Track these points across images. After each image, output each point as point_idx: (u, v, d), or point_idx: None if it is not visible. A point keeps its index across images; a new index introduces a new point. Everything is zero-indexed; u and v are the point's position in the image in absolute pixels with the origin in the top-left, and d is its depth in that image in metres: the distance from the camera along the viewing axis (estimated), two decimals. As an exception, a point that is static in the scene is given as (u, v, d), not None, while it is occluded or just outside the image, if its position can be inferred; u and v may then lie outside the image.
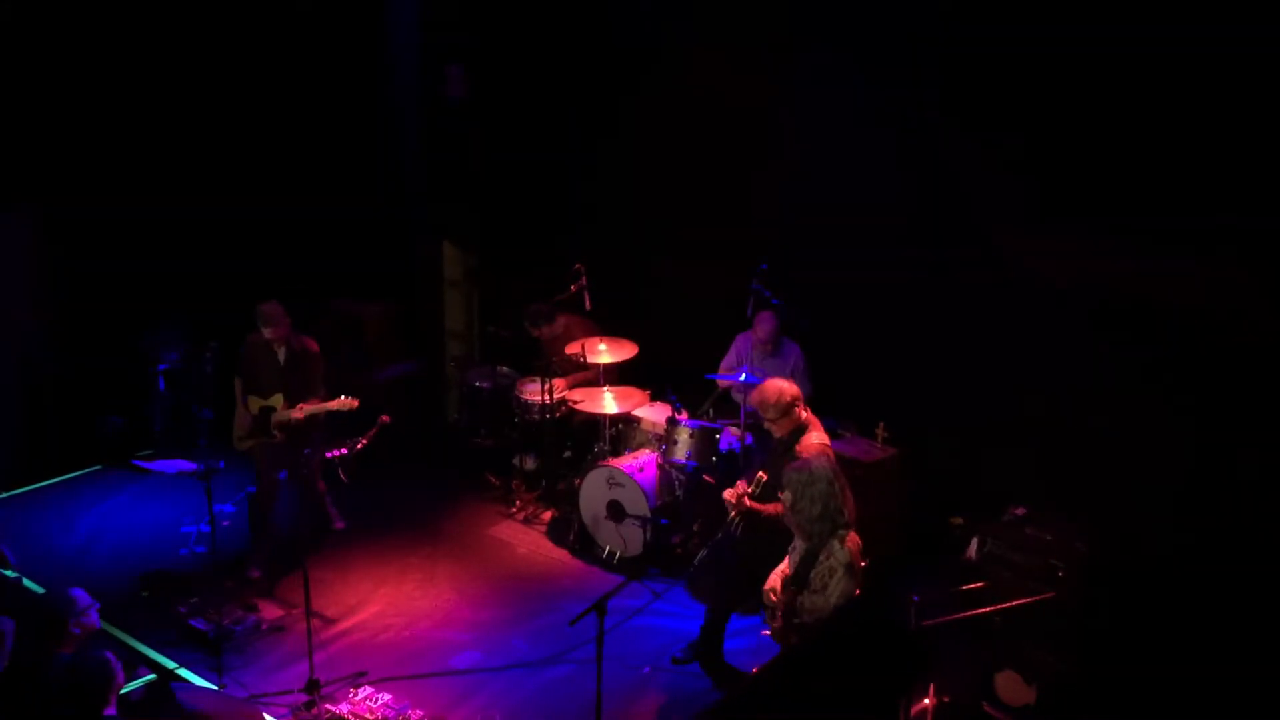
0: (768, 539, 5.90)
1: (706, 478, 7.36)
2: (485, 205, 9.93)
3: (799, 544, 5.48)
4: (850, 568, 5.29)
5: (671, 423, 7.52)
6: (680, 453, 7.46)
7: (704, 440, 7.42)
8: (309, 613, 6.06)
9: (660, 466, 7.57)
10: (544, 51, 9.21)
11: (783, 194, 7.99)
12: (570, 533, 7.88)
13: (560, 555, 7.81)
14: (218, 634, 6.40)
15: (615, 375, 8.33)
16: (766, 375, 6.94)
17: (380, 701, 6.06)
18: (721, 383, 7.66)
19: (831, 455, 5.94)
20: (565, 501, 8.20)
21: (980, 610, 5.97)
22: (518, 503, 8.46)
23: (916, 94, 7.42)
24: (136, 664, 6.06)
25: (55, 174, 8.54)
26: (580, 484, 7.77)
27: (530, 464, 8.69)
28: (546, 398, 8.19)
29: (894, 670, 4.81)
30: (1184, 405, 6.50)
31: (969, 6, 7.02)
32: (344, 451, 7.07)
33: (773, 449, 6.32)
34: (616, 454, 7.94)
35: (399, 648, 6.64)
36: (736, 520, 6.12)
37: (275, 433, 7.17)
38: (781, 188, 7.99)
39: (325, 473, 7.57)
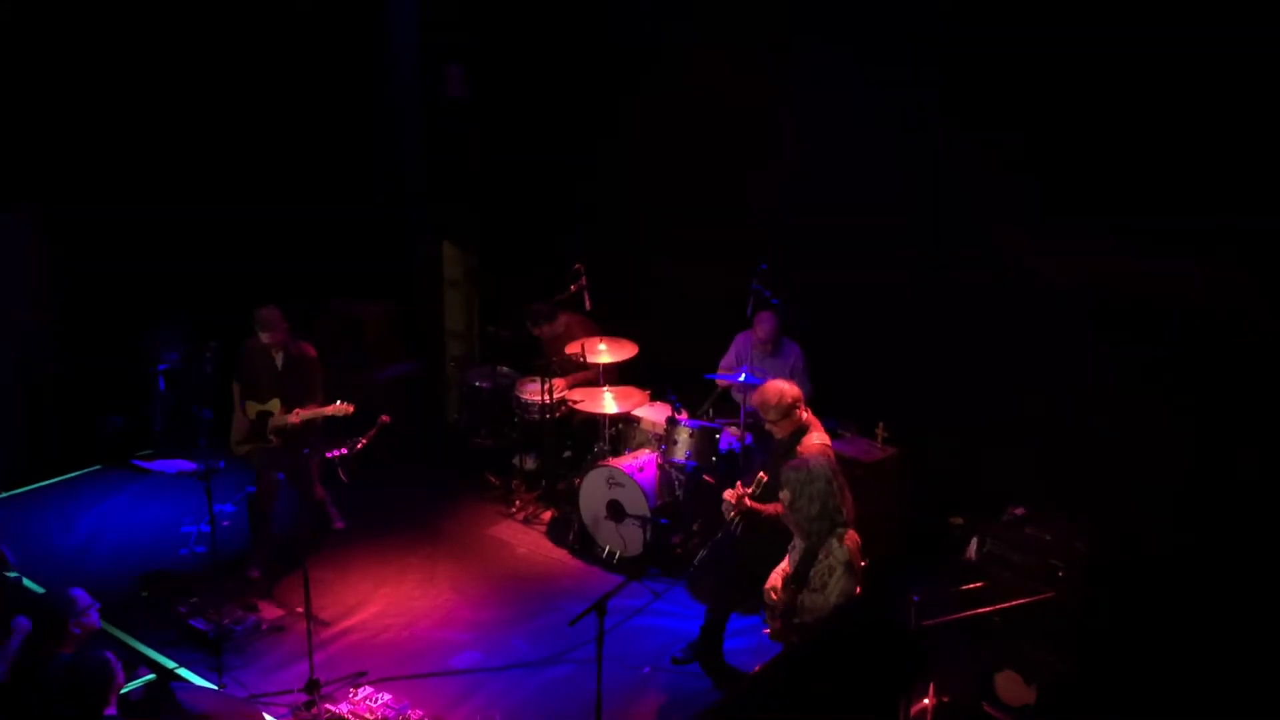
0: (768, 539, 5.91)
1: (706, 478, 7.36)
2: (485, 205, 9.93)
3: (798, 543, 5.49)
4: (849, 566, 5.30)
5: (671, 423, 7.51)
6: (680, 453, 7.46)
7: (704, 440, 7.42)
8: (309, 613, 6.06)
9: (660, 466, 7.57)
10: (544, 51, 9.21)
11: (783, 194, 7.98)
12: (570, 533, 7.88)
13: (560, 555, 7.81)
14: (218, 634, 6.39)
15: (615, 375, 8.33)
16: (766, 375, 6.95)
17: (380, 701, 6.05)
18: (721, 383, 7.65)
19: (832, 455, 5.95)
20: (565, 501, 8.19)
21: (980, 610, 5.96)
22: (518, 503, 8.46)
23: (916, 94, 7.42)
24: (136, 664, 6.05)
25: (55, 174, 8.54)
26: (580, 484, 7.77)
27: (530, 464, 8.69)
28: (546, 398, 8.19)
29: (894, 670, 4.81)
30: (1184, 405, 6.49)
31: (969, 6, 7.02)
32: (344, 451, 7.09)
33: (774, 450, 6.33)
34: (616, 454, 7.93)
35: (399, 648, 6.64)
36: (736, 520, 6.12)
37: (271, 438, 7.16)
38: (781, 188, 7.99)
39: (325, 473, 7.56)
